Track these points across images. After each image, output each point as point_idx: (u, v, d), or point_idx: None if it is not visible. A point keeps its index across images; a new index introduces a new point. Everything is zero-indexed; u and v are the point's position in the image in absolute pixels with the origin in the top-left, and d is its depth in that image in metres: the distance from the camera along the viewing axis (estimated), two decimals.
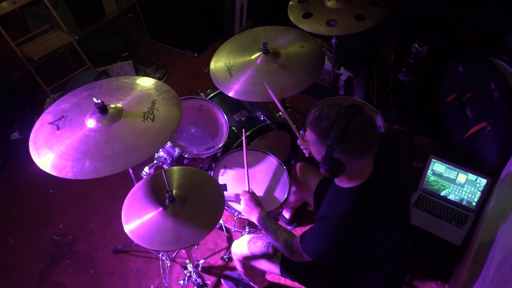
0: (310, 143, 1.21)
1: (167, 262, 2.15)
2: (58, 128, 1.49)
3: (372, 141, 1.12)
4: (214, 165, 2.01)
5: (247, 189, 1.68)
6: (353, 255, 1.28)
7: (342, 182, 1.24)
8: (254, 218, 1.54)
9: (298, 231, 2.29)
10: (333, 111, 1.10)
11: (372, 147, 1.13)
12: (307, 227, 2.26)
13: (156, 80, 1.72)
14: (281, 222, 2.31)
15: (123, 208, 1.53)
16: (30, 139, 1.49)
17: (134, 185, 1.64)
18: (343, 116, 1.08)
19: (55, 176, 1.38)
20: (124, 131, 1.49)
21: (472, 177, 1.90)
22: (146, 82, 1.71)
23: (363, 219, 1.20)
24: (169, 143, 1.95)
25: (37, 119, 1.58)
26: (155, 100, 1.60)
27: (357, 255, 1.28)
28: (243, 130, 1.85)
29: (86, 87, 1.69)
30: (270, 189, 1.87)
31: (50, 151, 1.43)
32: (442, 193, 2.01)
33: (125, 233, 1.44)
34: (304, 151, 1.67)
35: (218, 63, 2.03)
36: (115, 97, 1.61)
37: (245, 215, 1.61)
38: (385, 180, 1.25)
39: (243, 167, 1.96)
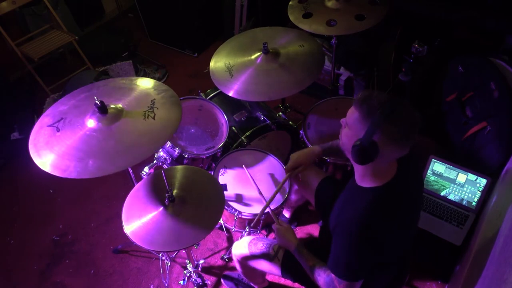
0: (348, 124, 1.17)
1: (167, 262, 2.15)
2: (58, 130, 1.50)
3: (412, 133, 1.10)
4: (214, 165, 2.02)
5: (276, 223, 1.54)
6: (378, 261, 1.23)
7: (364, 180, 1.21)
8: (290, 249, 1.46)
9: (298, 230, 2.30)
10: (383, 95, 1.10)
11: (411, 140, 1.11)
12: (307, 227, 2.30)
13: (154, 80, 1.72)
14: None
15: (123, 208, 1.53)
16: (30, 142, 1.48)
17: (134, 185, 1.64)
18: (394, 99, 1.08)
19: (55, 176, 1.38)
20: (126, 129, 1.49)
21: (472, 177, 1.90)
22: (144, 83, 1.71)
23: (384, 222, 1.16)
24: (169, 143, 1.95)
25: (37, 119, 1.58)
26: (154, 99, 1.61)
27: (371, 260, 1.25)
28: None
29: (83, 89, 1.70)
30: (270, 189, 1.87)
31: (51, 153, 1.43)
32: (442, 193, 2.01)
33: (125, 233, 1.44)
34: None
35: (218, 64, 2.03)
36: (114, 98, 1.62)
37: (282, 245, 1.54)
38: (407, 185, 1.23)
39: (243, 167, 1.96)
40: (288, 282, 2.07)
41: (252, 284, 1.96)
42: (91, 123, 1.50)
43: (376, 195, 1.17)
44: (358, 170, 1.23)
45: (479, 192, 1.91)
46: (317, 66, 2.01)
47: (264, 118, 2.11)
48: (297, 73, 1.94)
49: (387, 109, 1.06)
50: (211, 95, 2.25)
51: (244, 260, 1.64)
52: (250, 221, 1.87)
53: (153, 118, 1.53)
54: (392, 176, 1.18)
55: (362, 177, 1.22)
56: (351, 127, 1.16)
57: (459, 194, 1.97)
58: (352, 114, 1.14)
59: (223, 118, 2.08)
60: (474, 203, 1.94)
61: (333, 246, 1.23)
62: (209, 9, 3.47)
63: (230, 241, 2.28)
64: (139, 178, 1.98)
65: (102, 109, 1.49)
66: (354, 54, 2.74)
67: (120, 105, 1.57)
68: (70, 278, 2.21)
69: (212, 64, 2.04)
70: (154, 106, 1.57)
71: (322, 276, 1.30)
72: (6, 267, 2.28)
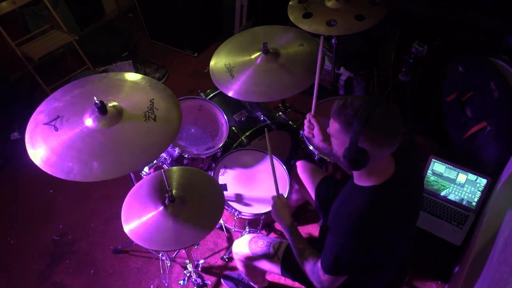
0: (332, 135, 1.18)
1: (167, 262, 2.15)
2: (56, 129, 1.46)
3: (397, 129, 1.09)
4: (214, 165, 2.02)
5: (276, 194, 1.59)
6: (372, 261, 1.24)
7: (361, 180, 1.21)
8: (282, 226, 1.48)
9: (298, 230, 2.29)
10: (357, 100, 1.09)
11: (398, 135, 1.10)
12: (307, 227, 2.30)
13: (147, 77, 1.70)
14: None
15: (123, 208, 1.53)
16: (26, 141, 1.45)
17: (134, 185, 1.64)
18: (368, 103, 1.07)
19: (55, 176, 1.37)
20: (128, 131, 1.48)
21: (472, 177, 1.90)
22: (137, 78, 1.68)
23: (379, 221, 1.16)
24: None
25: None
26: (153, 99, 1.59)
27: (367, 259, 1.25)
28: (265, 129, 1.75)
29: (76, 84, 1.64)
30: (270, 189, 1.87)
31: (53, 154, 1.40)
32: (442, 193, 2.01)
33: (125, 233, 1.44)
34: (307, 130, 1.63)
35: (218, 64, 2.03)
36: (111, 95, 1.58)
37: (275, 219, 1.54)
38: (405, 185, 1.23)
39: (243, 168, 1.96)
40: (288, 282, 2.07)
41: (252, 284, 1.96)
42: (89, 122, 1.47)
43: (374, 194, 1.17)
44: (356, 172, 1.24)
45: (479, 192, 1.91)
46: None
47: (264, 118, 2.11)
48: (298, 73, 1.94)
49: (363, 116, 1.06)
50: (211, 95, 2.25)
51: (244, 258, 1.64)
52: (250, 221, 1.88)
53: (154, 119, 1.51)
54: (390, 174, 1.18)
55: (359, 176, 1.22)
56: (336, 137, 1.17)
57: (459, 194, 1.97)
58: (333, 125, 1.16)
59: (223, 118, 2.08)
60: (474, 203, 1.94)
61: (327, 239, 1.24)
62: (209, 9, 3.47)
63: (230, 241, 2.28)
64: (139, 178, 1.98)
65: (102, 109, 1.47)
66: (354, 54, 2.74)
67: (119, 105, 1.54)
68: (70, 278, 2.21)
69: (212, 64, 2.04)
70: (154, 106, 1.56)
71: (310, 263, 1.32)
72: (6, 267, 2.28)
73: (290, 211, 1.52)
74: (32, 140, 1.45)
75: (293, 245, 1.41)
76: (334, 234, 1.22)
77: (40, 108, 1.56)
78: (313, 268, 1.29)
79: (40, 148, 1.42)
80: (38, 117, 1.53)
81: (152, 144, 1.45)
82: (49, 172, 1.37)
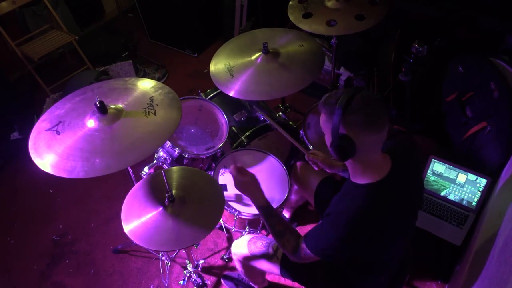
0: (322, 128, 1.20)
1: (167, 262, 2.15)
2: (58, 133, 1.49)
3: (378, 114, 1.10)
4: (214, 165, 2.02)
5: (234, 167, 1.42)
6: (359, 257, 1.25)
7: (357, 177, 1.21)
8: (255, 201, 1.39)
9: (298, 230, 2.29)
10: (340, 91, 1.14)
11: (379, 120, 1.10)
12: (307, 227, 2.29)
13: (148, 80, 1.72)
14: None
15: (122, 208, 1.53)
16: (30, 147, 1.47)
17: (134, 185, 1.64)
18: (349, 90, 1.11)
19: (55, 176, 1.37)
20: (129, 126, 1.50)
21: (472, 177, 1.90)
22: (139, 83, 1.71)
23: (375, 219, 1.16)
24: (169, 143, 1.95)
25: (37, 119, 1.57)
26: (152, 96, 1.62)
27: (362, 257, 1.26)
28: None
29: (78, 92, 1.69)
30: (270, 189, 1.87)
31: (55, 155, 1.42)
32: (442, 193, 2.01)
33: (125, 233, 1.45)
34: (313, 165, 1.69)
35: (217, 65, 2.03)
36: (111, 98, 1.61)
37: (244, 194, 1.43)
38: (403, 184, 1.23)
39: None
40: (287, 282, 2.07)
41: (252, 284, 1.96)
42: (91, 123, 1.50)
43: (369, 192, 1.17)
44: (350, 167, 1.24)
45: (479, 192, 1.91)
46: (317, 64, 2.01)
47: (264, 118, 2.11)
48: (297, 72, 1.94)
49: (342, 102, 1.09)
50: (211, 95, 2.25)
51: (243, 258, 1.64)
52: (250, 221, 1.88)
53: (154, 114, 1.54)
54: (386, 172, 1.19)
55: (355, 173, 1.23)
56: (325, 131, 1.19)
57: (459, 194, 1.97)
58: (321, 118, 1.19)
59: (223, 118, 2.08)
60: (474, 203, 1.94)
61: (320, 227, 1.25)
62: (209, 9, 3.47)
63: (230, 241, 2.28)
64: (139, 178, 1.98)
65: (102, 109, 1.48)
66: (354, 54, 2.74)
67: (119, 105, 1.57)
68: (70, 278, 2.21)
69: (212, 66, 2.04)
70: (153, 103, 1.58)
71: (291, 245, 1.33)
72: (6, 267, 2.28)
73: (261, 188, 1.41)
74: (35, 147, 1.47)
75: (270, 226, 1.36)
76: (328, 227, 1.22)
77: (43, 117, 1.60)
78: (295, 248, 1.32)
79: (44, 153, 1.43)
80: (41, 125, 1.56)
81: (153, 137, 1.47)
82: (53, 173, 1.37)
